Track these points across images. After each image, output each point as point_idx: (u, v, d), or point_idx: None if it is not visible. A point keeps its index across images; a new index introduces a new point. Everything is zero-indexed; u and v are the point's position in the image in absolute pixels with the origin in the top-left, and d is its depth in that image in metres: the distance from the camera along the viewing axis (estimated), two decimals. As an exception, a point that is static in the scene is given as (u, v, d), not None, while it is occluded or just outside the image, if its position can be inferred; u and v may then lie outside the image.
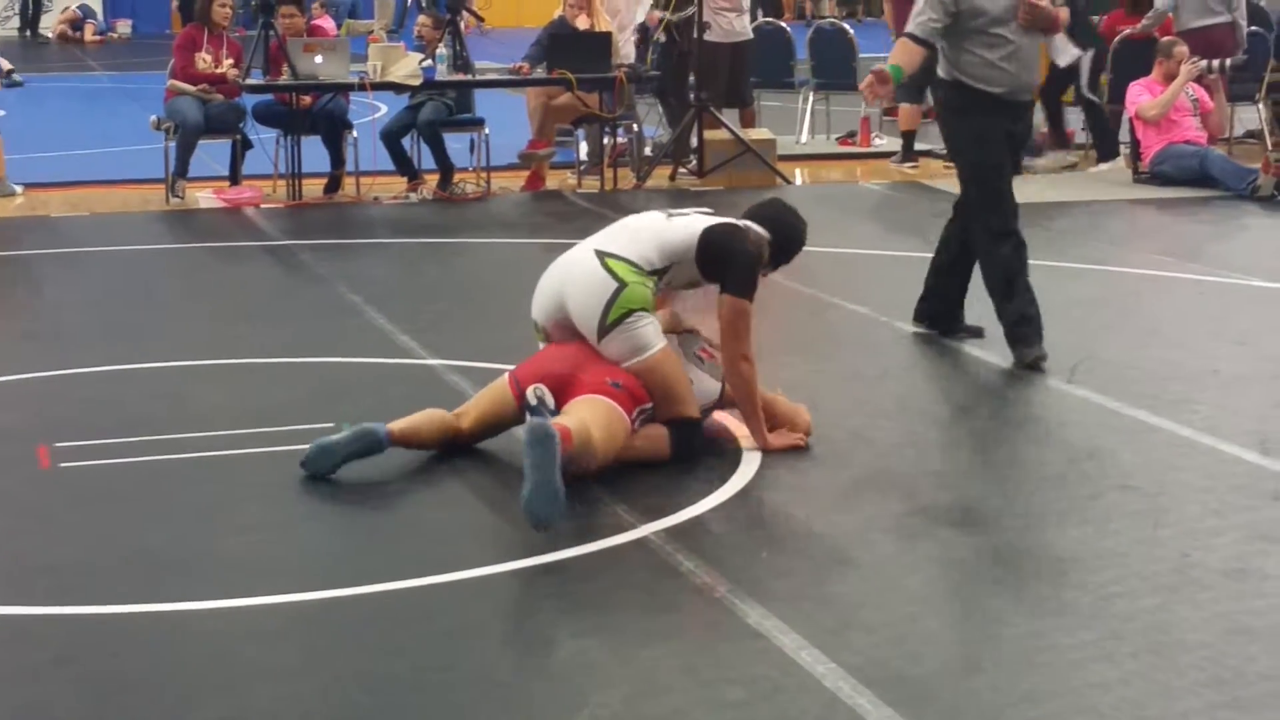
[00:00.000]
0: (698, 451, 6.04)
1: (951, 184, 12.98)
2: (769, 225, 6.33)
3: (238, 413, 6.64)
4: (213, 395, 6.99)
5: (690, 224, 6.22)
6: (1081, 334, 7.99)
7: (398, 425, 5.96)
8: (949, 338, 7.73)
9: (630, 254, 6.10)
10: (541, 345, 6.25)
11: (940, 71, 7.61)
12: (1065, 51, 13.47)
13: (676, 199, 12.46)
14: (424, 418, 6.06)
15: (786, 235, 6.37)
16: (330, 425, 6.26)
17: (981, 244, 7.56)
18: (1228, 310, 8.50)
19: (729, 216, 6.34)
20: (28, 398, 7.01)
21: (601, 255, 6.10)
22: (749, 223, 6.31)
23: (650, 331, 6.02)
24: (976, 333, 7.75)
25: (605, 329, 5.98)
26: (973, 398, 6.90)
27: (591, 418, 5.75)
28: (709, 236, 6.16)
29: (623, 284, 6.00)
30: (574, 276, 6.12)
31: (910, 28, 7.53)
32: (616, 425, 5.84)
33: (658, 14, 13.39)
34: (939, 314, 7.86)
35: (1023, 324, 7.37)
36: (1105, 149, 13.85)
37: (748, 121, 13.92)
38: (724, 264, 6.15)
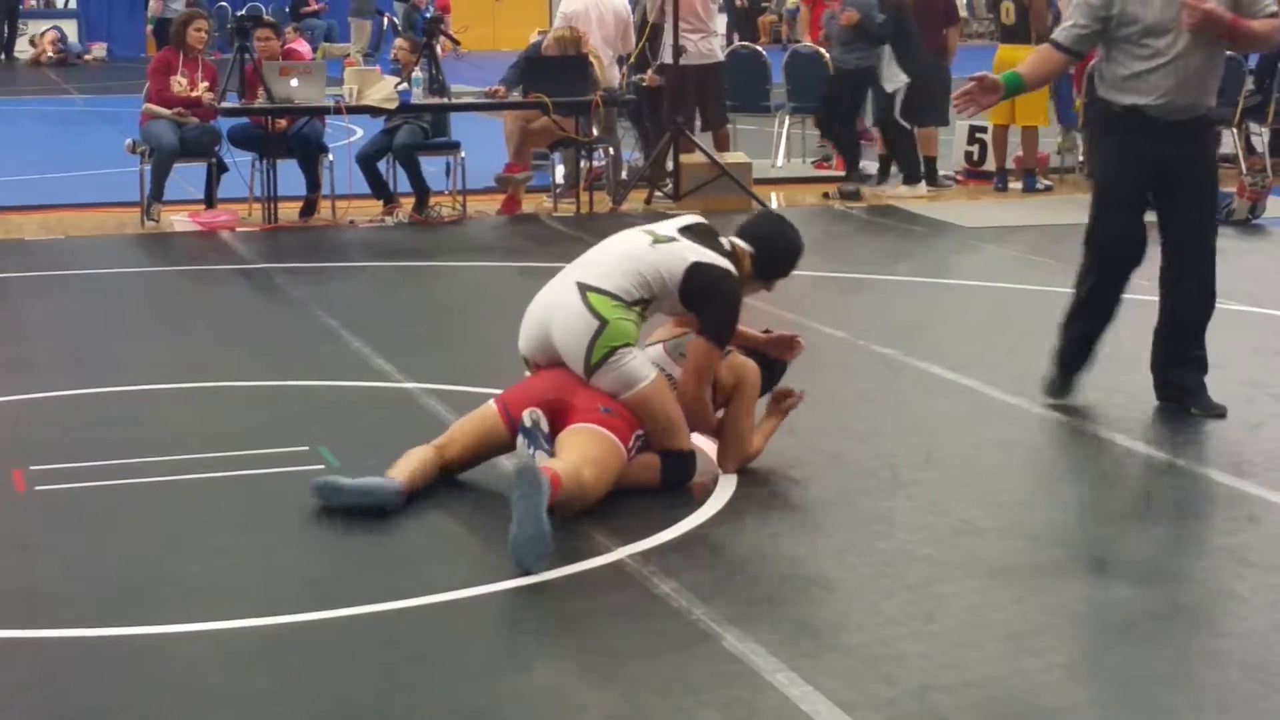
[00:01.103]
0: (690, 480, 6.02)
1: (926, 207, 13.08)
2: (756, 240, 6.30)
3: (211, 436, 6.61)
4: (187, 419, 6.96)
5: (673, 254, 6.08)
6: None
7: (402, 480, 5.78)
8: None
9: (610, 286, 6.00)
10: (528, 374, 6.20)
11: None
12: (894, 78, 13.53)
13: (653, 222, 12.45)
14: (418, 465, 5.88)
15: (775, 247, 6.33)
16: (305, 449, 6.23)
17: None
18: (1203, 333, 8.50)
19: (719, 233, 6.29)
20: (1, 421, 6.97)
21: (583, 289, 5.99)
22: (734, 239, 6.28)
23: (636, 365, 5.95)
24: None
25: (591, 369, 5.92)
26: (950, 420, 6.89)
27: (584, 455, 5.68)
28: (697, 275, 6.04)
29: (604, 321, 5.92)
30: (557, 314, 6.02)
31: (1055, 34, 7.07)
32: (610, 458, 5.77)
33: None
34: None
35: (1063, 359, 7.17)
36: (909, 173, 13.85)
37: (721, 144, 13.92)
38: (706, 306, 6.07)
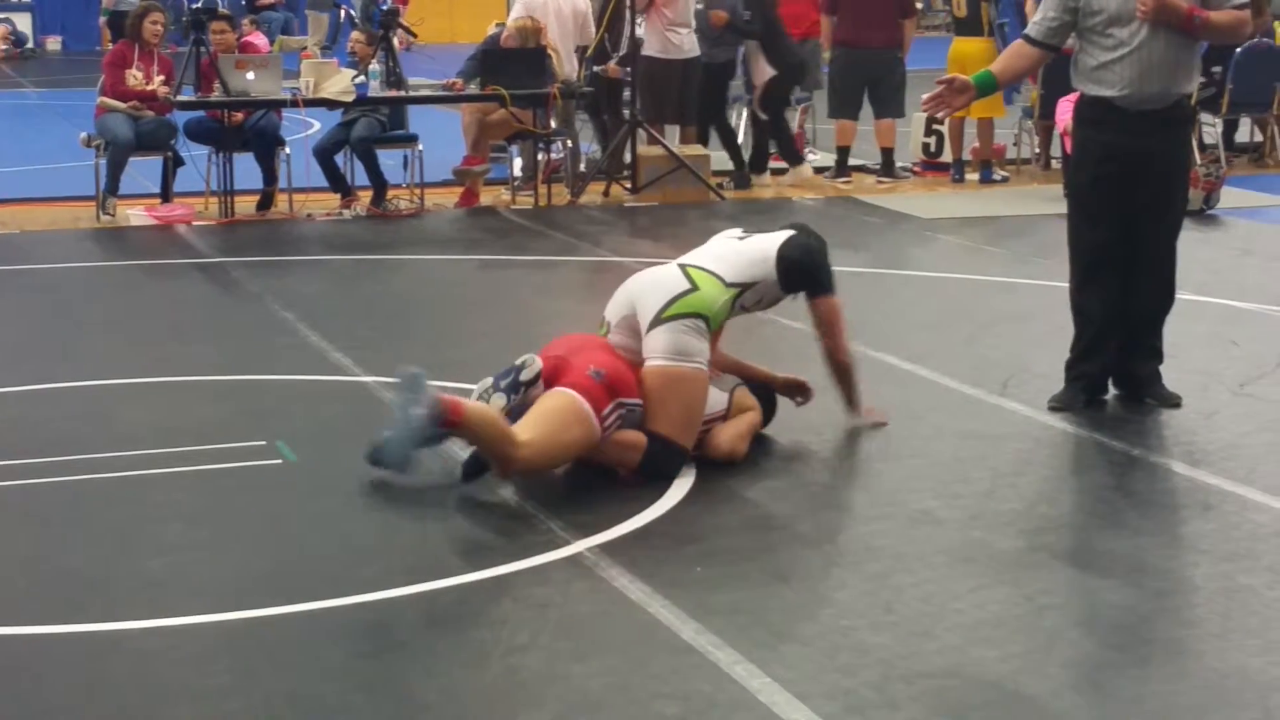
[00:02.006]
0: (669, 479, 5.99)
1: (883, 198, 13.11)
2: (780, 250, 6.51)
3: (166, 431, 6.58)
4: (142, 414, 6.93)
5: (764, 244, 6.46)
6: (1013, 348, 8.03)
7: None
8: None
9: (714, 267, 6.29)
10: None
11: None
12: (761, 71, 13.69)
13: (611, 214, 12.48)
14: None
15: (800, 262, 6.50)
16: (263, 443, 6.22)
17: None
18: (1158, 323, 8.55)
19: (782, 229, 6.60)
20: (-46, 417, 6.94)
21: (684, 266, 6.31)
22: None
23: (699, 343, 6.09)
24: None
25: (660, 319, 6.06)
26: (910, 412, 6.91)
27: (534, 417, 5.73)
28: (790, 256, 6.40)
29: (695, 286, 6.16)
30: (652, 278, 6.29)
31: (1028, 29, 7.05)
32: (566, 426, 5.76)
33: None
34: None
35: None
36: (758, 163, 14.10)
37: (690, 138, 13.95)
38: (808, 272, 6.45)
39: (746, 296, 6.36)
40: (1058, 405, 6.95)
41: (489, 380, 5.86)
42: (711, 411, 6.18)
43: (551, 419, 5.75)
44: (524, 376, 5.82)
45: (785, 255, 6.42)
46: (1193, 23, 6.72)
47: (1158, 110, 6.82)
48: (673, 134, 13.80)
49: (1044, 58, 7.09)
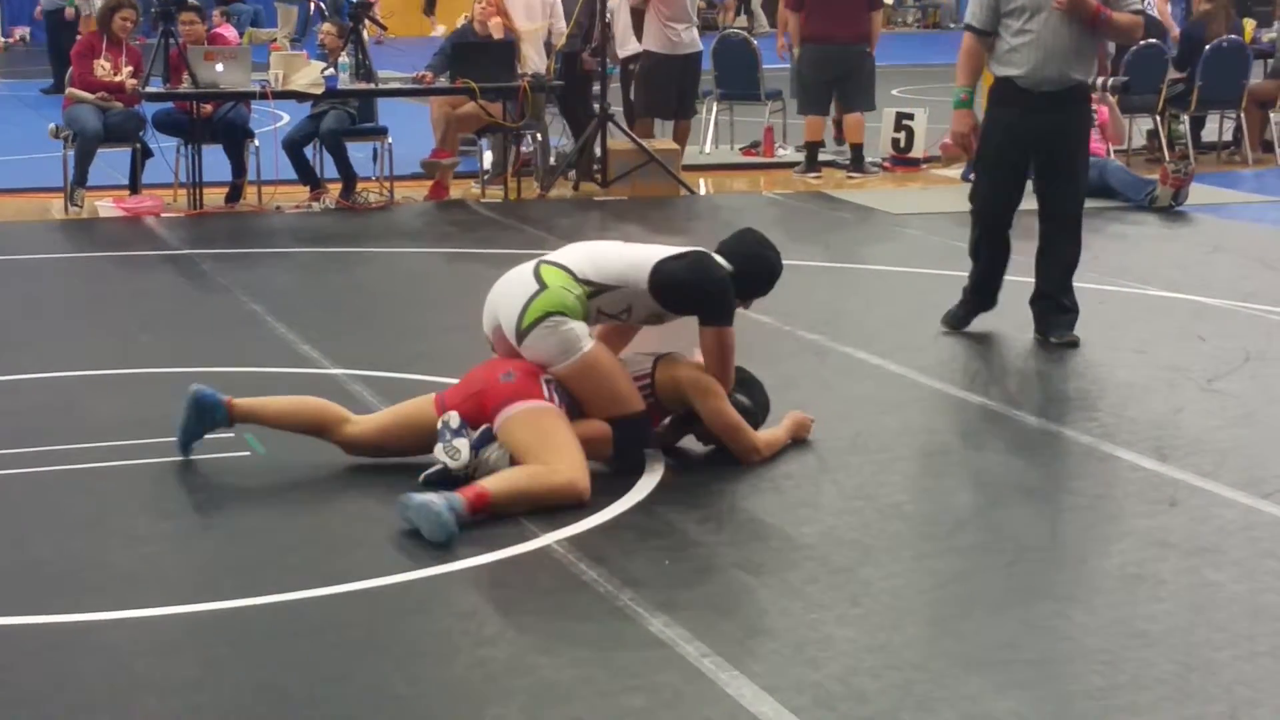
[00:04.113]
0: (647, 444, 5.98)
1: (853, 193, 13.12)
2: (734, 258, 6.20)
3: (133, 423, 6.56)
4: (109, 406, 6.90)
5: (646, 252, 6.09)
6: (981, 342, 8.05)
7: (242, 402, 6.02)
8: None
9: (565, 261, 6.01)
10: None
11: None
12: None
13: (581, 208, 12.47)
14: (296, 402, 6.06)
15: (757, 266, 6.27)
16: (230, 435, 6.20)
17: None
18: (1126, 319, 8.59)
19: (698, 247, 6.24)
20: (-80, 408, 6.90)
21: (539, 262, 6.04)
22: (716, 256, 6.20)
23: (576, 331, 5.84)
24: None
25: (522, 332, 5.85)
26: (879, 407, 6.92)
27: (538, 447, 5.59)
28: (668, 269, 6.00)
29: (543, 286, 5.89)
30: (506, 284, 6.05)
31: (966, 19, 7.95)
32: (557, 427, 5.66)
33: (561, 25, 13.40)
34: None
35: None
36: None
37: (683, 134, 13.96)
38: (694, 295, 6.04)
39: (604, 300, 5.98)
40: (949, 324, 8.12)
41: (439, 452, 5.69)
42: (637, 370, 6.08)
43: (547, 435, 5.65)
44: (453, 424, 5.69)
45: (663, 268, 5.98)
46: (1098, 18, 7.66)
47: (1056, 92, 7.70)
48: (667, 129, 13.85)
49: (988, 42, 7.85)
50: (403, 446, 5.98)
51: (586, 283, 5.95)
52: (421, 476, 5.72)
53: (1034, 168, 7.91)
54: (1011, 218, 8.01)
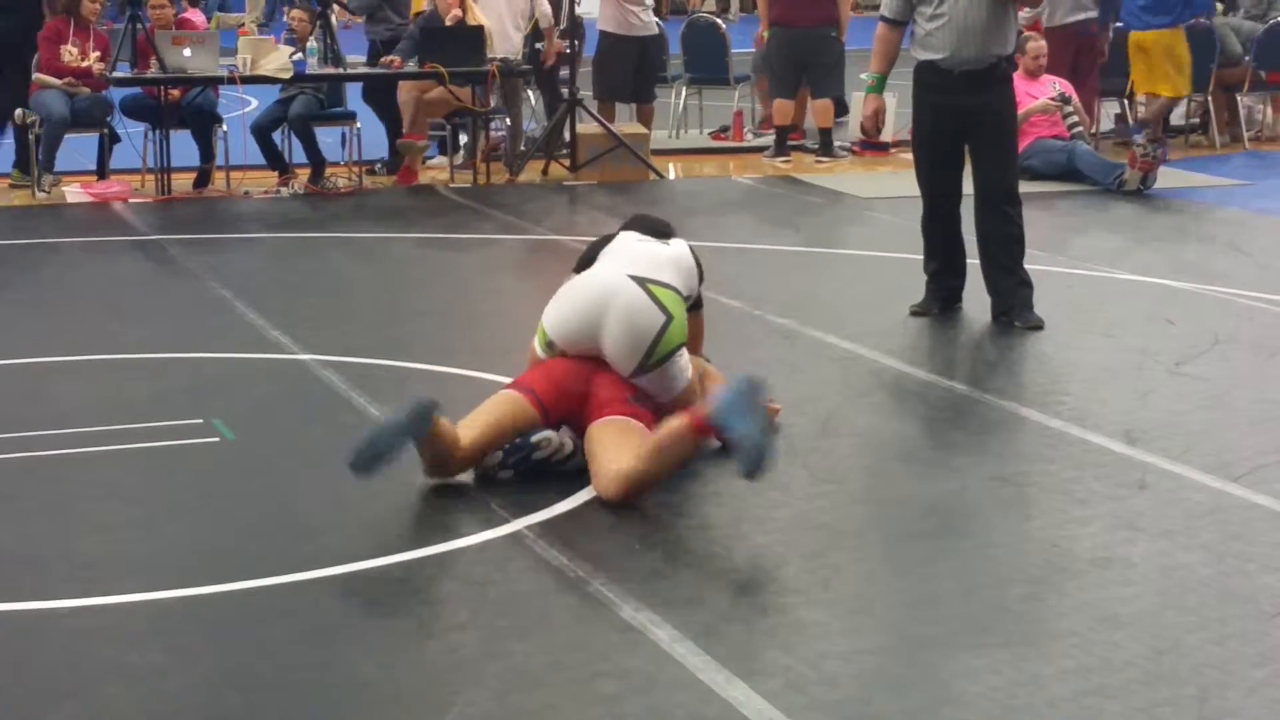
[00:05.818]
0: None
1: (822, 177, 13.12)
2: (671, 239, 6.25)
3: (101, 409, 6.53)
4: (76, 391, 6.87)
5: (678, 246, 6.12)
6: (950, 326, 8.06)
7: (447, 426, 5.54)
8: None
9: (668, 279, 5.90)
10: (543, 357, 5.95)
11: None
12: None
13: (551, 193, 12.45)
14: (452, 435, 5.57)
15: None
16: (199, 422, 6.17)
17: None
18: (1095, 302, 8.60)
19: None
20: (-115, 395, 6.86)
21: (647, 284, 5.83)
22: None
23: (685, 366, 5.90)
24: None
25: (649, 366, 5.79)
26: (845, 390, 6.93)
27: (621, 449, 5.54)
28: (697, 256, 6.16)
29: (670, 317, 5.79)
30: (617, 303, 5.79)
31: (881, 10, 8.11)
32: (630, 431, 5.65)
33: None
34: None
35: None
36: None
37: (646, 118, 13.93)
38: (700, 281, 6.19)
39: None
40: (918, 310, 8.11)
41: (498, 454, 5.66)
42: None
43: (620, 436, 5.60)
44: (536, 455, 5.67)
45: (698, 259, 6.15)
46: None
47: (978, 70, 7.83)
48: (626, 112, 13.80)
49: (898, 39, 8.13)
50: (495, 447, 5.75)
51: (687, 297, 6.01)
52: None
53: (970, 148, 8.02)
54: (958, 194, 8.13)
